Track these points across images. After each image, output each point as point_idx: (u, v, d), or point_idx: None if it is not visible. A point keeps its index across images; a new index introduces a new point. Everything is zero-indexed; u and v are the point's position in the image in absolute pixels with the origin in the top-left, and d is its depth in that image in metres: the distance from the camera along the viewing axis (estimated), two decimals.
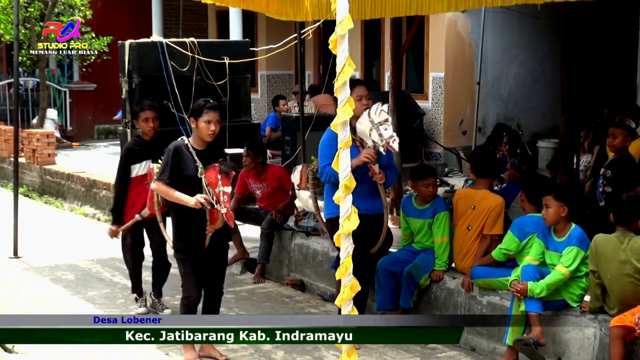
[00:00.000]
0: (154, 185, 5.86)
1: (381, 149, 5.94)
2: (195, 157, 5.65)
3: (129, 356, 5.96)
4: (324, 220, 6.68)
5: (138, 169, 6.86)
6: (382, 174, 6.06)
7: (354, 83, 5.35)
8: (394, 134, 5.91)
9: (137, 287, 7.16)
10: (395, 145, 5.89)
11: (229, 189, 5.71)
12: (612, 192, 6.80)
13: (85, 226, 11.33)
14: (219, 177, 5.65)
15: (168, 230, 6.15)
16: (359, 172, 5.67)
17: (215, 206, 5.61)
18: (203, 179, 5.61)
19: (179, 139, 5.78)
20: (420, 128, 12.20)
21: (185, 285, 5.80)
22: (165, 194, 5.73)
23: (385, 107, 5.96)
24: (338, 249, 6.03)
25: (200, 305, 5.93)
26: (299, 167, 7.58)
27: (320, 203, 6.87)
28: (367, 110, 5.96)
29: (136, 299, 7.18)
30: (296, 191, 7.71)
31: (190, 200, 5.55)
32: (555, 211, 5.69)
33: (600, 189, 7.05)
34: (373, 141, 5.91)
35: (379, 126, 5.86)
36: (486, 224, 6.41)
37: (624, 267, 5.29)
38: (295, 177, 7.62)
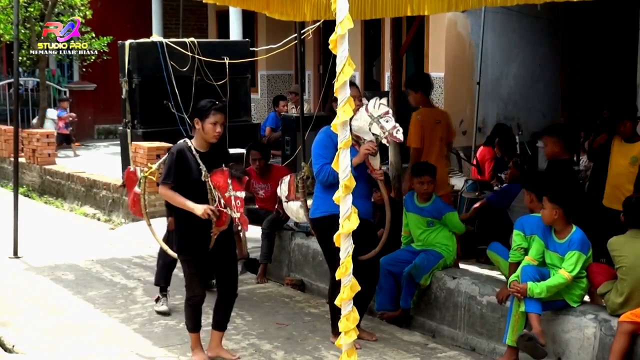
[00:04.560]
0: (160, 189, 5.67)
1: (384, 141, 5.89)
2: (199, 160, 5.57)
3: (129, 356, 5.97)
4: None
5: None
6: (382, 171, 6.00)
7: None
8: (397, 125, 5.84)
9: (162, 281, 6.99)
10: (399, 135, 5.81)
11: (242, 194, 5.63)
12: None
13: (85, 226, 11.34)
14: (229, 181, 5.59)
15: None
16: (357, 170, 5.54)
17: (225, 210, 5.57)
18: (208, 182, 5.55)
19: (182, 140, 5.70)
20: None
21: (190, 285, 5.75)
22: (170, 198, 5.63)
23: (384, 100, 5.89)
24: (326, 249, 5.93)
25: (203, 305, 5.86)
26: (287, 179, 7.28)
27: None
28: (364, 106, 5.89)
29: (157, 299, 7.04)
30: (284, 204, 7.33)
31: (197, 210, 5.45)
32: (549, 213, 5.70)
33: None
34: (374, 134, 5.84)
35: (379, 119, 5.79)
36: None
37: None
38: (283, 190, 7.24)
